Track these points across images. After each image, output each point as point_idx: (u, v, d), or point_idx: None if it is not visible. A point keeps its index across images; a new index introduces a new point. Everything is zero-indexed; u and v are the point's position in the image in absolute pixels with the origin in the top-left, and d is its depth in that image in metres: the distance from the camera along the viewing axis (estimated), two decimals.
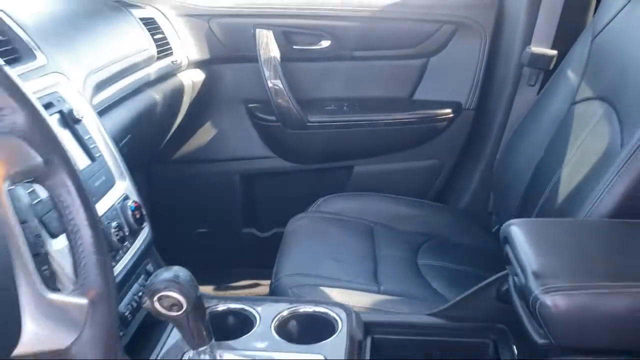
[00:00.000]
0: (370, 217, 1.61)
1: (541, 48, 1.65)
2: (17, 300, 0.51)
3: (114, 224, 0.94)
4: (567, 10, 1.64)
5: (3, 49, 0.98)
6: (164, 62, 1.60)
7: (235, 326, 1.03)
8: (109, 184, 1.00)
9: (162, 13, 1.73)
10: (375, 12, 1.83)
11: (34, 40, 1.06)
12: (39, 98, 0.79)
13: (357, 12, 1.83)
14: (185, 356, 0.93)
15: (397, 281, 1.32)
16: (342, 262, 1.36)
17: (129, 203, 0.99)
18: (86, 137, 0.97)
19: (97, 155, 0.98)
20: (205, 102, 1.88)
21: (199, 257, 1.72)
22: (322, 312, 1.04)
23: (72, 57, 1.15)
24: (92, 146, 0.97)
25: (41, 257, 0.71)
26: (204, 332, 0.87)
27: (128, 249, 0.97)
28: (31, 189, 0.78)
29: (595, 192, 1.05)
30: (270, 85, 1.79)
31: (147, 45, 1.51)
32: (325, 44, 1.84)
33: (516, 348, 1.00)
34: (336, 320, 1.02)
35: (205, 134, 1.94)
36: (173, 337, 0.97)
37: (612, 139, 1.14)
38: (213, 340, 0.89)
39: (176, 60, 1.67)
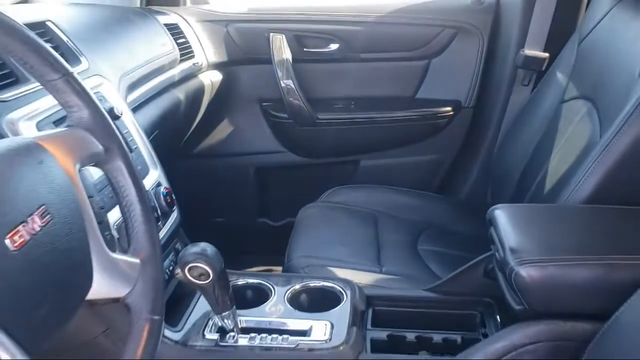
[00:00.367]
0: (375, 207, 1.65)
1: (534, 51, 1.70)
2: (90, 257, 0.65)
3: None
4: (558, 16, 1.68)
5: None
6: (187, 64, 1.67)
7: (253, 298, 1.14)
8: (145, 172, 1.11)
9: (185, 19, 1.81)
10: (381, 17, 1.88)
11: (77, 46, 1.17)
12: None
13: (364, 17, 1.88)
14: (210, 321, 1.05)
15: (398, 263, 1.39)
16: (348, 246, 1.44)
17: (161, 189, 1.10)
18: (124, 132, 1.08)
19: (134, 147, 1.09)
20: (223, 100, 1.94)
21: (216, 244, 1.81)
22: (329, 286, 1.15)
23: (109, 60, 1.25)
24: (129, 139, 1.09)
25: (104, 225, 0.84)
26: (227, 300, 0.99)
27: (160, 229, 1.08)
28: None
29: (574, 181, 1.13)
30: (282, 85, 1.85)
31: (171, 49, 1.60)
32: (334, 46, 1.90)
33: (500, 318, 1.11)
34: (341, 293, 1.13)
35: (222, 130, 1.99)
36: (200, 306, 1.10)
37: (593, 134, 1.22)
38: (234, 308, 1.02)
39: (197, 63, 1.74)
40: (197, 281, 0.95)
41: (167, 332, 1.00)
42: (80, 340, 0.93)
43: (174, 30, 1.69)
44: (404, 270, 1.36)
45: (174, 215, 1.14)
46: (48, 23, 1.15)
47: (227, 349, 1.00)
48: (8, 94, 0.91)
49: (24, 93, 0.93)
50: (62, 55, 1.11)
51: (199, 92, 1.75)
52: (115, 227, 0.87)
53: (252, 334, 1.02)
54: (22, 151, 0.62)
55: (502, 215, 1.05)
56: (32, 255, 0.56)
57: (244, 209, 2.07)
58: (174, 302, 1.08)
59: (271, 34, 1.84)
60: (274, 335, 1.01)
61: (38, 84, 0.92)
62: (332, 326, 1.04)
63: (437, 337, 1.10)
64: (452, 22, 1.88)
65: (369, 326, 1.12)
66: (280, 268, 1.45)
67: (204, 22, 1.87)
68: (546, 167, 1.38)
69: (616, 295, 0.84)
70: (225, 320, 1.01)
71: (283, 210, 2.03)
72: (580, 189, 1.12)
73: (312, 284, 1.17)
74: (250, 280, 1.18)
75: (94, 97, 0.71)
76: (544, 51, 1.71)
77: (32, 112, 0.91)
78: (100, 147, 0.71)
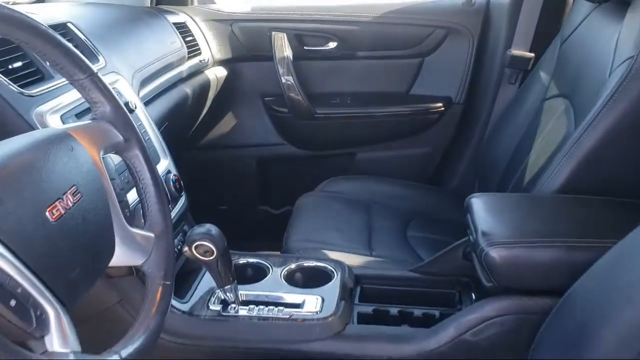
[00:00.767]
0: (368, 196, 1.72)
1: (520, 51, 1.78)
2: (112, 230, 0.77)
3: None
4: (543, 18, 1.76)
5: None
6: (194, 61, 1.75)
7: (252, 275, 1.25)
8: (156, 160, 1.20)
9: (192, 18, 1.89)
10: (377, 18, 1.95)
11: (94, 45, 1.27)
12: None
13: (361, 18, 1.95)
14: (214, 294, 1.16)
15: (387, 248, 1.47)
16: (341, 232, 1.51)
17: (171, 176, 1.21)
18: (138, 124, 1.18)
19: (146, 138, 1.20)
20: (227, 95, 2.01)
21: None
22: (322, 266, 1.26)
23: (123, 58, 1.34)
24: (142, 131, 1.19)
25: (124, 204, 0.96)
26: (229, 275, 1.09)
27: (170, 211, 1.20)
28: None
29: (547, 172, 1.22)
30: (283, 81, 1.92)
31: (180, 47, 1.68)
32: (332, 45, 1.97)
33: (475, 296, 1.22)
34: (332, 272, 1.23)
35: (227, 123, 2.07)
36: (204, 281, 1.21)
37: (568, 130, 1.30)
38: (236, 282, 1.13)
39: (203, 59, 1.82)
40: (202, 257, 1.06)
41: (176, 304, 1.11)
42: (99, 309, 1.05)
43: (183, 29, 1.77)
44: (392, 254, 1.44)
45: (182, 200, 1.25)
46: (69, 24, 1.26)
47: (229, 318, 1.11)
48: (35, 90, 1.01)
49: (49, 89, 1.04)
50: (82, 54, 1.23)
51: (205, 87, 1.83)
52: (132, 206, 0.98)
53: (251, 306, 1.12)
54: (56, 140, 0.73)
55: (477, 202, 1.15)
56: (66, 226, 0.67)
57: (246, 197, 2.14)
58: (182, 277, 1.19)
59: (273, 33, 1.91)
60: (271, 307, 1.11)
61: (61, 80, 1.05)
62: (323, 300, 1.14)
63: (418, 311, 1.20)
64: (444, 22, 1.94)
65: (356, 301, 1.22)
66: (278, 252, 1.51)
67: (210, 21, 1.95)
68: (527, 160, 1.45)
69: (573, 273, 0.92)
70: (228, 294, 1.12)
71: (283, 198, 2.09)
72: (552, 180, 1.20)
73: (306, 264, 1.27)
74: (250, 260, 1.28)
75: (114, 94, 0.82)
76: (530, 51, 1.78)
77: (57, 105, 1.02)
78: (121, 138, 0.82)
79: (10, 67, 1.01)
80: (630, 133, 1.15)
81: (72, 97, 1.05)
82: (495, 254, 1.02)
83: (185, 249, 1.06)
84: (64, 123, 0.99)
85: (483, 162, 1.79)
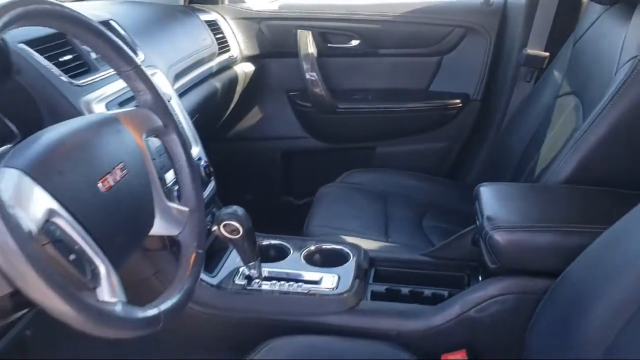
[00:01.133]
0: (387, 188, 1.77)
1: (536, 50, 1.82)
2: (152, 204, 0.87)
3: None
4: (558, 19, 1.80)
5: None
6: (223, 57, 1.83)
7: (275, 255, 1.33)
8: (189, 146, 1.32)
9: (222, 16, 1.98)
10: (398, 17, 2.02)
11: (134, 41, 1.37)
12: None
13: (383, 16, 2.02)
14: (240, 270, 1.25)
15: (403, 236, 1.53)
16: (359, 219, 1.57)
17: (202, 162, 1.31)
18: (173, 114, 1.30)
19: (180, 127, 1.31)
20: (254, 90, 2.08)
21: None
22: (339, 248, 1.34)
23: (159, 53, 1.44)
24: (177, 120, 1.31)
25: (162, 181, 1.06)
26: (254, 253, 1.18)
27: (202, 190, 1.28)
28: None
29: (555, 165, 1.28)
30: (307, 76, 2.00)
31: (210, 43, 1.77)
32: (354, 43, 2.04)
33: (481, 278, 1.29)
34: (349, 254, 1.31)
35: (253, 116, 2.15)
36: (231, 258, 1.30)
37: (576, 125, 1.36)
38: (259, 260, 1.22)
39: (232, 55, 1.90)
40: (229, 236, 1.15)
41: (205, 277, 1.21)
42: (136, 279, 1.15)
43: (213, 27, 1.86)
44: (406, 241, 1.51)
45: (212, 184, 1.34)
46: (111, 22, 1.37)
47: (252, 292, 1.20)
48: (83, 80, 1.11)
49: (95, 79, 1.14)
50: None
51: (234, 82, 1.91)
52: (169, 184, 1.09)
53: (273, 281, 1.21)
54: (106, 123, 0.84)
55: (485, 191, 1.23)
56: (115, 197, 0.77)
57: (270, 187, 2.22)
58: (211, 255, 1.28)
59: (298, 31, 2.00)
60: (291, 283, 1.20)
61: (105, 72, 1.16)
62: (339, 278, 1.22)
63: (428, 291, 1.27)
64: (463, 22, 2.01)
65: (370, 281, 1.30)
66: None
67: (239, 19, 2.04)
68: (538, 154, 1.51)
69: (568, 256, 0.98)
70: (252, 270, 1.21)
71: (305, 189, 2.12)
72: (558, 172, 1.27)
73: (324, 246, 1.35)
74: (273, 242, 1.37)
75: (155, 84, 0.93)
76: (545, 51, 1.82)
77: (102, 95, 1.12)
78: (160, 123, 0.92)
79: (60, 59, 1.11)
80: (632, 129, 1.21)
81: (115, 87, 1.15)
82: (499, 237, 1.09)
83: (214, 227, 1.16)
84: (108, 110, 1.10)
85: (498, 156, 1.85)
